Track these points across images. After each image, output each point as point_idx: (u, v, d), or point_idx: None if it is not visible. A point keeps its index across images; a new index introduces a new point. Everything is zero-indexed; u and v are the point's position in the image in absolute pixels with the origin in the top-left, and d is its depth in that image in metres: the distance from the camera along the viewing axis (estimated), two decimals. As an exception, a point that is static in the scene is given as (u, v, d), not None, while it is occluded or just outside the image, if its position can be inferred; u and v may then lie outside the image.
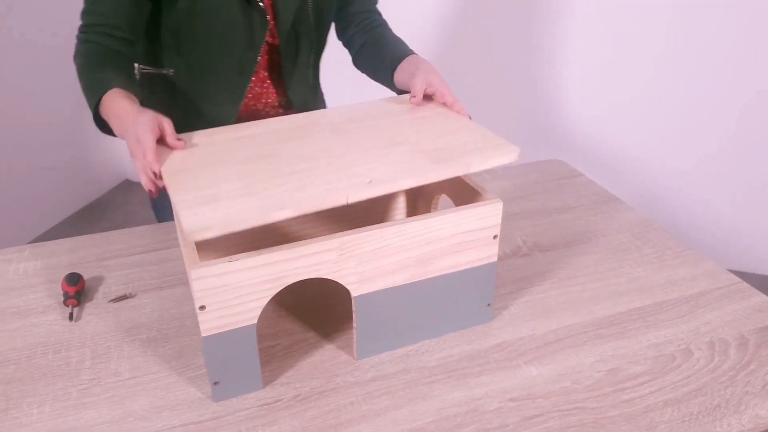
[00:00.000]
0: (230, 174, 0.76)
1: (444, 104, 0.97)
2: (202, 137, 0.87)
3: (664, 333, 0.91)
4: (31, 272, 1.01)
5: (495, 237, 0.85)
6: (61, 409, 0.76)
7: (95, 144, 2.76)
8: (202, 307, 0.71)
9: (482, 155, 0.81)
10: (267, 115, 1.13)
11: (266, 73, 1.11)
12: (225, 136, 0.88)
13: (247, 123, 0.93)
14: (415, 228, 0.79)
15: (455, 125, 0.90)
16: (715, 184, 2.22)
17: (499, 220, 0.84)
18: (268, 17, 1.01)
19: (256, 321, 0.75)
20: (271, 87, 1.12)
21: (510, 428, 0.75)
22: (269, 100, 1.13)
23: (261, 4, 0.99)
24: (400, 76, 1.05)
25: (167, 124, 0.83)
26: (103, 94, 0.87)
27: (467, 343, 0.88)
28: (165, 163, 0.80)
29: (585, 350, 0.87)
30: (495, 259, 0.87)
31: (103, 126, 0.90)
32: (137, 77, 1.08)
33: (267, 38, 1.05)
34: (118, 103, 0.85)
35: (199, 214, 0.68)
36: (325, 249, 0.74)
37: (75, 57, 0.95)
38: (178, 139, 0.84)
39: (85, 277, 1.00)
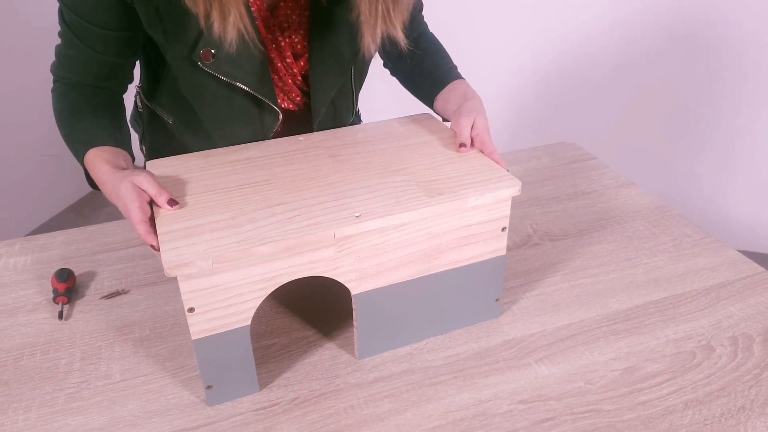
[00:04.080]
0: (218, 204, 0.73)
1: (481, 152, 0.86)
2: (196, 160, 0.83)
3: (683, 328, 0.86)
4: (21, 267, 0.98)
5: (503, 229, 0.80)
6: (48, 415, 0.73)
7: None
8: (191, 310, 0.67)
9: (481, 188, 0.76)
10: None
11: (284, 127, 0.97)
12: (220, 159, 0.84)
13: (245, 145, 0.88)
14: (417, 222, 0.74)
15: (457, 153, 0.85)
16: (733, 166, 2.15)
17: (508, 212, 0.79)
18: (281, 116, 0.90)
19: (249, 322, 0.71)
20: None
21: (520, 433, 0.71)
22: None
23: (275, 107, 0.88)
24: (442, 103, 0.94)
25: (150, 185, 0.72)
26: (83, 156, 0.78)
27: (474, 340, 0.84)
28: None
29: (599, 347, 0.83)
30: (503, 252, 0.82)
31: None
32: (138, 104, 1.03)
33: (289, 107, 0.94)
34: (97, 170, 0.76)
35: (180, 248, 0.65)
36: (321, 246, 0.70)
37: (52, 90, 0.86)
38: (171, 199, 0.72)
39: (77, 273, 0.96)
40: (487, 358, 0.81)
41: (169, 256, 0.64)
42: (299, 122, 0.97)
